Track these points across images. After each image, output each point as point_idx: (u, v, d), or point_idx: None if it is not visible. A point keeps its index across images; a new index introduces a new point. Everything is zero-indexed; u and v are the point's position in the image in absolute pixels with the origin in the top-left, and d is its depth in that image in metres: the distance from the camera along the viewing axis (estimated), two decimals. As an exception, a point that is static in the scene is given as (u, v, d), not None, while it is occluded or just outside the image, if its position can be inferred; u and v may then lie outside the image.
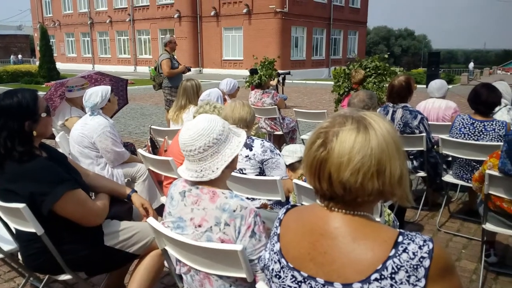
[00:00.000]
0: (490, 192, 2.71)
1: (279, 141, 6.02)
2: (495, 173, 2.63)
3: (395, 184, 1.04)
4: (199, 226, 1.60)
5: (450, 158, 3.88)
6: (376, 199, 1.06)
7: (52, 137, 4.03)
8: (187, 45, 29.59)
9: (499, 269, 3.08)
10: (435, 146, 3.98)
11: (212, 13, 28.87)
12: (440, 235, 3.74)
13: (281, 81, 12.21)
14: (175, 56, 7.08)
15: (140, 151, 3.27)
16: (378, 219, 2.23)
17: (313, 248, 1.08)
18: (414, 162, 4.00)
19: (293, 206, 1.24)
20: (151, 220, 1.74)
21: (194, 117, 2.91)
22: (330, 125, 1.07)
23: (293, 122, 5.97)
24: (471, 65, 37.63)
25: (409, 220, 3.98)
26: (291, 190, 2.57)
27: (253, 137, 2.72)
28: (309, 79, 24.45)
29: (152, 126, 4.22)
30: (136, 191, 2.50)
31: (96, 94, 3.38)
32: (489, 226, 2.85)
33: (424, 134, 3.73)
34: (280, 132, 5.85)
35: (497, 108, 3.96)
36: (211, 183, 1.63)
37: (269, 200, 2.64)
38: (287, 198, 2.60)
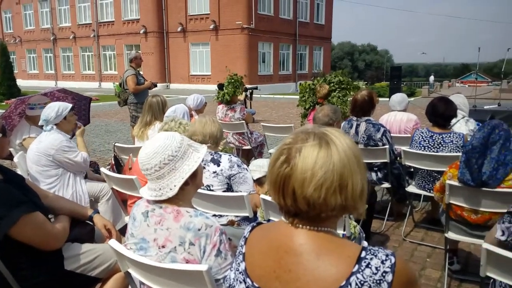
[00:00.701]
0: (451, 201, 2.80)
1: (248, 156, 6.02)
2: (455, 183, 2.72)
3: (357, 198, 1.05)
4: (163, 246, 1.56)
5: (412, 169, 3.98)
6: (340, 214, 1.07)
7: (10, 157, 3.86)
8: (153, 61, 29.35)
9: (462, 276, 3.16)
10: (398, 158, 4.08)
11: (179, 29, 28.84)
12: (405, 244, 3.81)
13: (249, 95, 12.30)
14: (140, 72, 7.00)
15: (103, 169, 3.18)
16: (341, 232, 2.25)
17: (278, 266, 1.07)
18: (378, 173, 4.09)
19: (259, 223, 1.23)
20: (112, 242, 1.69)
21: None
22: (293, 142, 1.08)
23: (261, 137, 5.99)
24: (432, 78, 39.09)
25: (375, 231, 4.04)
26: (259, 205, 2.56)
27: (221, 153, 2.71)
28: (277, 93, 24.73)
29: (116, 144, 4.12)
30: (98, 212, 2.42)
31: (53, 108, 3.32)
32: (451, 235, 2.93)
33: (387, 146, 3.83)
34: (249, 147, 5.86)
35: (455, 120, 4.12)
36: (175, 201, 1.61)
37: (237, 216, 2.62)
38: (255, 213, 2.59)
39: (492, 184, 2.54)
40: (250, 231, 1.21)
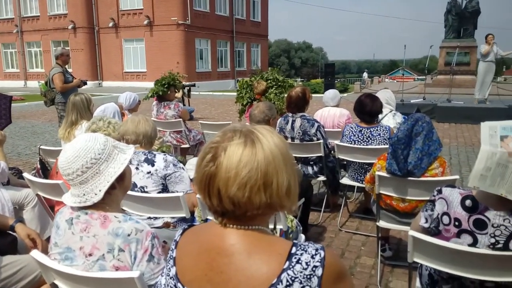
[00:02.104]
0: (381, 191, 2.94)
1: (187, 155, 5.91)
2: (384, 174, 2.85)
3: (283, 196, 1.04)
4: (90, 255, 1.47)
5: (345, 162, 4.14)
6: (267, 211, 1.06)
7: None
8: (83, 57, 27.92)
9: (394, 262, 3.33)
10: (332, 152, 4.22)
11: (111, 24, 27.67)
12: (341, 234, 3.95)
13: (186, 93, 12.10)
14: (69, 70, 6.60)
15: (25, 175, 2.94)
16: (279, 227, 2.27)
17: (210, 269, 1.04)
18: (314, 167, 4.20)
19: (190, 226, 1.20)
20: (34, 253, 1.56)
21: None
22: (220, 140, 1.05)
23: (199, 135, 5.91)
24: (365, 74, 40.86)
25: (313, 223, 4.15)
26: (196, 204, 2.51)
27: (155, 152, 2.62)
28: (216, 90, 24.59)
29: (42, 146, 3.84)
30: (21, 221, 2.25)
31: None
32: (382, 223, 3.07)
33: (321, 141, 3.94)
34: (187, 145, 5.75)
35: (383, 114, 4.34)
36: (101, 207, 1.52)
37: (173, 217, 2.55)
38: (192, 213, 2.54)
39: (417, 174, 2.70)
40: (181, 234, 1.17)
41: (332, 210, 4.44)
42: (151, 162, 2.54)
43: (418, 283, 1.97)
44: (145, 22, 26.72)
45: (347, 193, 4.69)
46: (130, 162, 1.63)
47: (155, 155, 2.57)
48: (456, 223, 1.65)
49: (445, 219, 1.69)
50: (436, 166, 2.72)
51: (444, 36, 16.50)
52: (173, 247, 1.16)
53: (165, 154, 2.60)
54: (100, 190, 1.49)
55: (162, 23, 26.43)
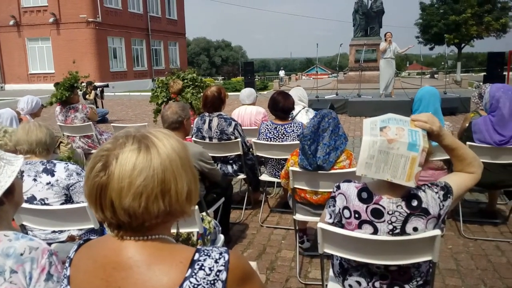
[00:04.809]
0: (295, 186, 3.03)
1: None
2: (297, 169, 2.94)
3: (183, 202, 1.00)
4: (-26, 281, 1.31)
5: (263, 159, 4.21)
6: (167, 220, 1.02)
7: None
8: (-20, 59, 25.29)
9: (312, 253, 3.44)
10: (251, 149, 4.27)
11: (11, 22, 25.34)
12: (263, 230, 4.01)
13: (99, 94, 11.48)
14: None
15: None
16: (195, 230, 2.24)
17: (106, 285, 0.97)
18: (234, 166, 4.22)
19: (86, 240, 1.11)
20: None
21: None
22: (111, 147, 0.98)
23: (113, 138, 5.62)
24: (282, 72, 42.08)
25: (235, 221, 4.16)
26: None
27: (55, 161, 2.42)
28: (133, 90, 23.69)
29: None
30: None
31: None
32: (298, 216, 3.17)
33: (239, 139, 3.96)
34: (100, 150, 5.43)
35: (297, 111, 4.49)
36: (-14, 226, 1.35)
37: (80, 229, 2.38)
38: (102, 223, 2.39)
39: (327, 167, 2.83)
40: (76, 250, 1.08)
41: (254, 207, 4.49)
42: (51, 172, 2.34)
43: (331, 273, 2.06)
44: (51, 20, 24.89)
45: (268, 189, 4.79)
46: (22, 173, 1.48)
47: (55, 164, 2.38)
48: (356, 215, 1.74)
49: (346, 213, 1.78)
50: (344, 159, 2.87)
51: (353, 34, 17.58)
52: (67, 264, 1.07)
53: (66, 163, 2.41)
54: None
55: (70, 20, 24.80)
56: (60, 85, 5.57)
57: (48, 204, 2.30)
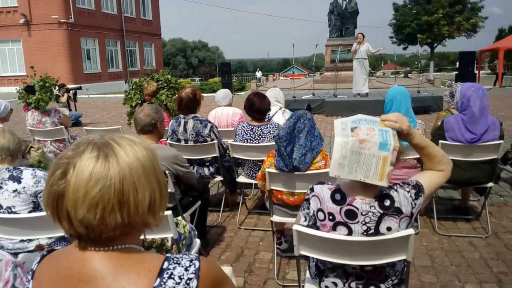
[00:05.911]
0: (272, 187, 3.01)
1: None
2: (273, 170, 2.93)
3: (144, 213, 0.96)
4: None
5: (240, 161, 4.18)
6: (128, 232, 0.97)
7: None
8: None
9: (290, 254, 3.43)
10: (228, 151, 4.23)
11: (-20, 23, 24.54)
12: (241, 232, 3.98)
13: (72, 96, 11.21)
14: None
15: None
16: (169, 236, 2.19)
17: None
18: (211, 168, 4.17)
19: (50, 251, 1.06)
20: None
21: None
22: (72, 154, 0.94)
23: (86, 142, 5.48)
24: (259, 73, 42.12)
25: (212, 224, 4.12)
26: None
27: (22, 168, 2.33)
28: (108, 92, 23.27)
29: None
30: None
31: None
32: (275, 218, 3.16)
33: (215, 141, 3.92)
34: (72, 155, 5.29)
35: (273, 111, 4.48)
36: None
37: (50, 238, 2.30)
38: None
39: (303, 168, 2.82)
40: (39, 262, 1.03)
41: (232, 209, 4.46)
42: (17, 179, 2.25)
43: (308, 274, 2.05)
44: (22, 21, 24.20)
45: (245, 190, 4.76)
46: None
47: (21, 170, 2.29)
48: (331, 217, 1.73)
49: (320, 215, 1.77)
50: (319, 159, 2.87)
51: (329, 35, 17.77)
52: (29, 277, 1.02)
53: (34, 169, 2.32)
54: None
55: (41, 22, 24.17)
56: (38, 91, 5.41)
57: (15, 213, 2.21)
